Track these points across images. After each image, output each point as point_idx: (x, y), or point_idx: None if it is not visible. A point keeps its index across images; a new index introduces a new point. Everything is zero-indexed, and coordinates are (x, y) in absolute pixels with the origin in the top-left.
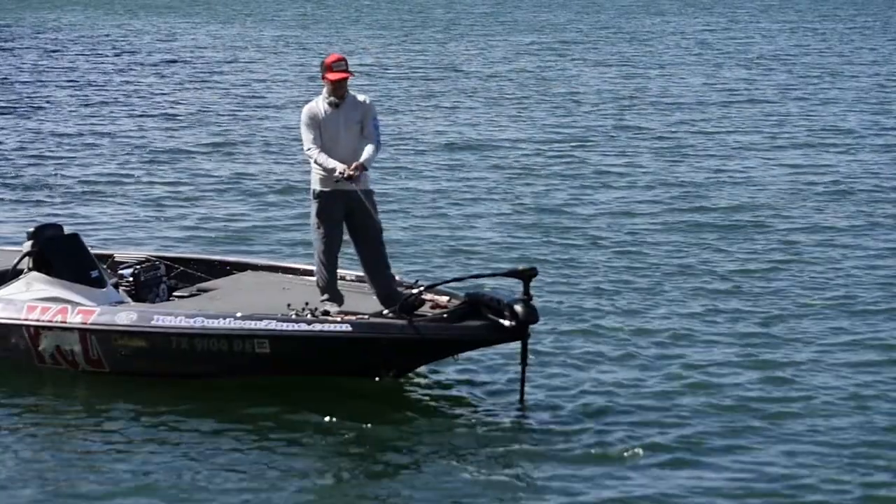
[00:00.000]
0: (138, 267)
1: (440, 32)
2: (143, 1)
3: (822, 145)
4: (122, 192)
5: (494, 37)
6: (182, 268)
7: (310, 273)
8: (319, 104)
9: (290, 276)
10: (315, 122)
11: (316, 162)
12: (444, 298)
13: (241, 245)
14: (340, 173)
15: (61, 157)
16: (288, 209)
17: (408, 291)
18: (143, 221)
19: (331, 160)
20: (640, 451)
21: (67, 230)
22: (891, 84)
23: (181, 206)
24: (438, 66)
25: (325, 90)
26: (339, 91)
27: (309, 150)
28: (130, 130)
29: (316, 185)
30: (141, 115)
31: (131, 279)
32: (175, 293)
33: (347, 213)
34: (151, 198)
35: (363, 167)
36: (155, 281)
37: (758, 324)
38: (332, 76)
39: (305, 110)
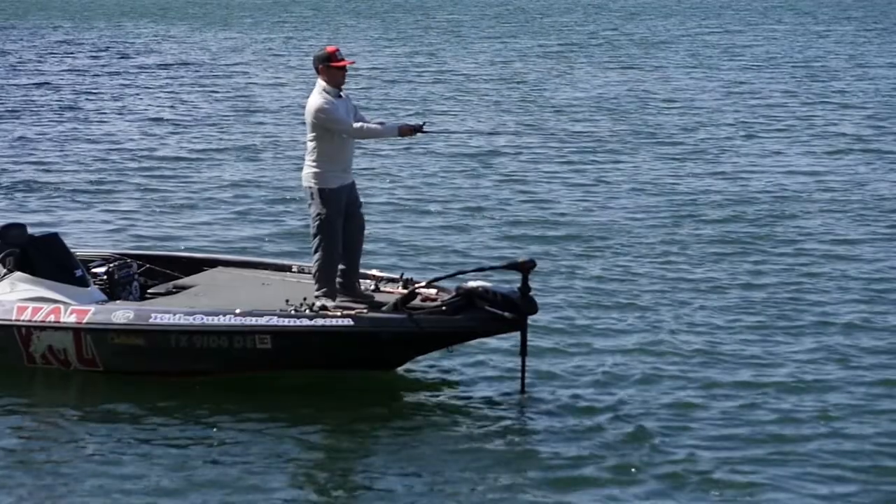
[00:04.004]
0: (112, 265)
1: (440, 35)
2: (133, 6)
3: (834, 151)
4: (85, 194)
5: (495, 40)
6: (149, 265)
7: (283, 268)
8: (330, 96)
9: (264, 271)
10: (337, 109)
11: (368, 135)
12: (433, 291)
13: (194, 244)
14: (414, 127)
15: (31, 162)
16: (241, 208)
17: (390, 287)
18: (102, 222)
19: (387, 125)
20: (639, 444)
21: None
22: None
23: (136, 208)
24: (437, 70)
25: (322, 84)
26: (342, 79)
27: (355, 126)
28: (102, 135)
29: (323, 184)
30: (115, 120)
31: (105, 277)
32: (149, 291)
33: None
34: (108, 199)
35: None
36: (127, 279)
37: (762, 321)
38: (339, 63)
39: (323, 102)
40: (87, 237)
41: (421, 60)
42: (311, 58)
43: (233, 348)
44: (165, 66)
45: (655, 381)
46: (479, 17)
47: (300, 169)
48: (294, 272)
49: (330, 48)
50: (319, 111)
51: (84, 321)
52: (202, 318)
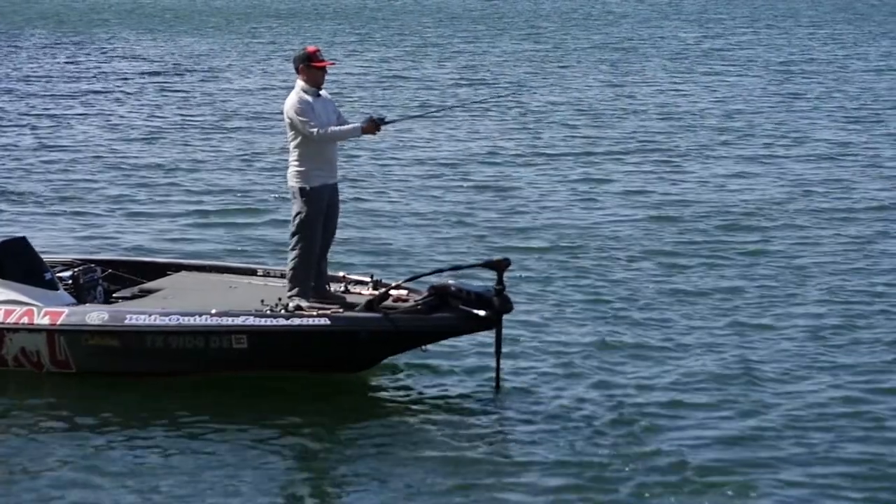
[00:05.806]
0: (76, 269)
1: (420, 39)
2: (107, 9)
3: (820, 156)
4: (51, 201)
5: (475, 44)
6: (111, 270)
7: (249, 272)
8: (308, 96)
9: (230, 275)
10: (311, 109)
11: (332, 137)
12: (404, 292)
13: (160, 250)
14: (375, 120)
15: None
16: (210, 215)
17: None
18: (66, 229)
19: (348, 125)
20: (614, 443)
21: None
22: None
23: (102, 214)
24: (417, 75)
25: (301, 83)
26: (321, 80)
27: (318, 131)
28: (68, 141)
29: (305, 183)
30: (81, 125)
31: (70, 282)
32: (115, 295)
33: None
34: (73, 205)
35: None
36: (92, 283)
37: (744, 324)
38: (319, 64)
39: (297, 100)
40: (51, 243)
41: (401, 65)
42: (291, 59)
43: (209, 349)
44: (137, 73)
45: (632, 381)
46: (459, 20)
47: (271, 176)
48: (260, 276)
49: (310, 48)
50: (292, 110)
51: (59, 323)
52: (178, 319)
